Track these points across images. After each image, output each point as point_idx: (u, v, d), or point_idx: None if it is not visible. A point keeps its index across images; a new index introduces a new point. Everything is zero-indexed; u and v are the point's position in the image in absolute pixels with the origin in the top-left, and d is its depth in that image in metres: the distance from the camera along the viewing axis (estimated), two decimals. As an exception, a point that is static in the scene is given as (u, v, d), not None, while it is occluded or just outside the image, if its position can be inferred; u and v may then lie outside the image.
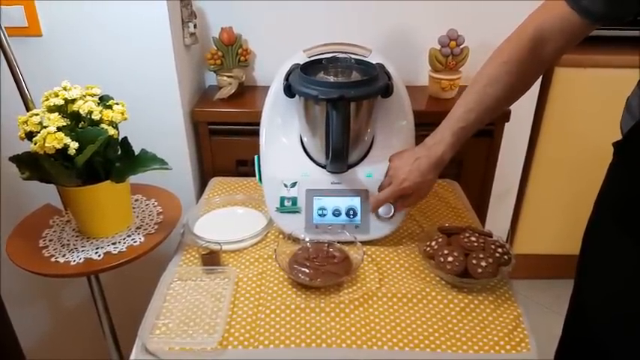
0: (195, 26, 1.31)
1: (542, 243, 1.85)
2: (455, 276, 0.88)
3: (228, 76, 1.38)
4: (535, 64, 0.81)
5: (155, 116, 1.25)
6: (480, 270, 0.87)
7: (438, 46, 1.35)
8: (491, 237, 0.97)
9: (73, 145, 0.86)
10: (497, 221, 1.76)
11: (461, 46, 1.35)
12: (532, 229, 1.82)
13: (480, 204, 1.46)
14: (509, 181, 1.71)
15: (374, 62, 1.00)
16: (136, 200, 1.11)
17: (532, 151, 1.67)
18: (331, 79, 0.96)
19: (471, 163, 1.40)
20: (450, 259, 0.89)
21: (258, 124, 1.07)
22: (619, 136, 0.78)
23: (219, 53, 1.36)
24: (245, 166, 1.37)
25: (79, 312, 1.49)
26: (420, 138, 0.99)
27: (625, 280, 0.76)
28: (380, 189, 1.00)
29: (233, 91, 1.38)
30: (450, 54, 1.35)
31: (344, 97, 0.88)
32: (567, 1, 0.73)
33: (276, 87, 1.02)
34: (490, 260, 0.88)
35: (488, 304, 0.87)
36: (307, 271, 0.90)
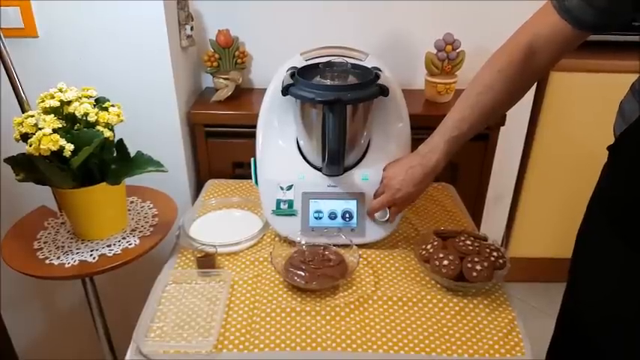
0: (192, 28, 1.31)
1: (537, 246, 1.86)
2: (450, 279, 0.88)
3: (225, 79, 1.38)
4: (529, 72, 0.81)
5: (151, 118, 1.25)
6: (475, 274, 0.87)
7: (434, 50, 1.36)
8: (487, 241, 0.97)
9: (69, 147, 0.85)
10: (493, 225, 1.77)
11: (457, 50, 1.36)
12: (527, 233, 1.83)
13: (476, 207, 1.47)
14: (504, 185, 1.72)
15: (370, 66, 1.01)
16: (132, 202, 1.11)
17: (527, 155, 1.68)
18: (328, 82, 0.97)
19: (467, 166, 1.40)
20: (445, 262, 0.89)
21: (254, 126, 1.07)
22: (613, 140, 0.79)
23: (216, 55, 1.36)
24: (241, 169, 1.37)
25: (74, 314, 1.48)
26: (415, 141, 0.99)
27: (616, 280, 0.76)
28: (375, 196, 1.00)
29: (230, 93, 1.38)
30: (446, 58, 1.35)
31: (340, 99, 0.89)
32: (558, 11, 0.74)
33: (273, 89, 1.03)
34: (485, 264, 0.88)
35: (483, 307, 0.87)
36: (303, 274, 0.90)
